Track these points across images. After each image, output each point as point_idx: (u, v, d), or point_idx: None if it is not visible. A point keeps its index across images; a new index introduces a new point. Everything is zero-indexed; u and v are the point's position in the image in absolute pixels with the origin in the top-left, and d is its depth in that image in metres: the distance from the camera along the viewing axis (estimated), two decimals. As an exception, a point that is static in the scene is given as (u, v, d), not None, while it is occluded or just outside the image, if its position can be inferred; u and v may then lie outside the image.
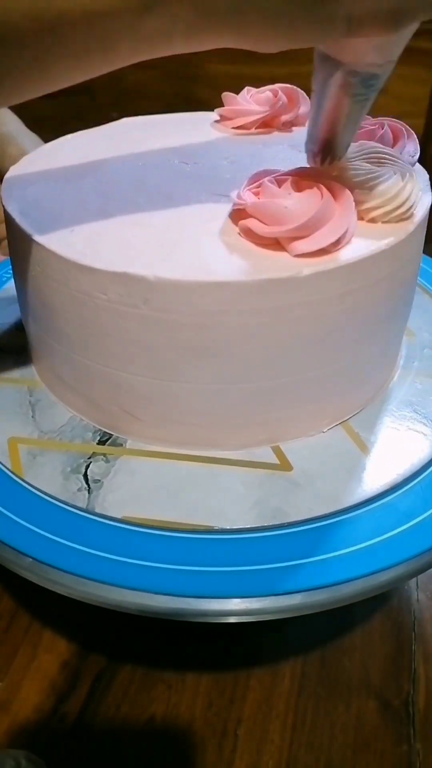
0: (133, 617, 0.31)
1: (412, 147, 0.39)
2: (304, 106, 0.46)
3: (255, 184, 0.33)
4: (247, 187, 0.33)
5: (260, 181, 0.33)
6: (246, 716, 0.39)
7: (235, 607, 0.30)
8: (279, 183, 0.32)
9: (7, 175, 0.41)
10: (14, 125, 0.52)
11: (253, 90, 0.48)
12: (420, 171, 0.38)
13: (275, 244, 0.32)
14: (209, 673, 0.41)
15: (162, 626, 0.42)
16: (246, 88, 0.49)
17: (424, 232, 0.37)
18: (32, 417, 0.39)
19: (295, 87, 0.47)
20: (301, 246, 0.30)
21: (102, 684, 0.40)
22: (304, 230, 0.30)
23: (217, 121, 0.48)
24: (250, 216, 0.32)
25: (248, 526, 0.33)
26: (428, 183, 0.38)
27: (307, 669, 0.41)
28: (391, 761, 0.37)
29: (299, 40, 0.27)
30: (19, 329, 0.45)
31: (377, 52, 0.28)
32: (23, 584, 0.33)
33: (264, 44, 0.27)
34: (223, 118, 0.48)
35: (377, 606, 0.44)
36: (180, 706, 0.39)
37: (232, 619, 0.30)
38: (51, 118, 1.06)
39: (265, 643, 0.42)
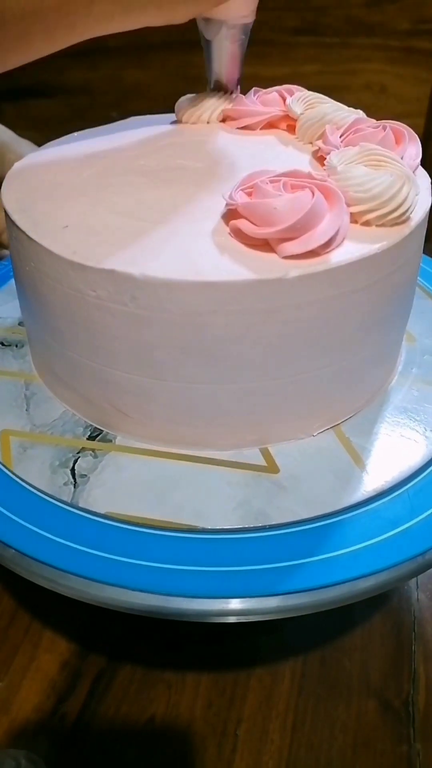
0: (133, 617, 0.31)
1: (413, 150, 0.38)
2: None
3: (248, 185, 0.33)
4: (240, 188, 0.33)
5: (254, 182, 0.32)
6: (246, 716, 0.39)
7: (213, 608, 0.30)
8: (272, 184, 0.32)
9: (8, 174, 0.41)
10: (8, 134, 0.54)
11: (261, 91, 0.48)
12: (421, 174, 0.38)
13: (265, 245, 0.31)
14: (209, 673, 0.41)
15: (162, 626, 0.42)
16: (253, 89, 0.48)
17: (423, 236, 0.36)
18: (26, 410, 0.40)
19: (301, 88, 0.47)
20: (290, 247, 0.30)
21: (102, 684, 0.40)
22: (293, 232, 0.30)
23: (222, 121, 0.48)
24: (241, 216, 0.32)
25: (229, 527, 0.33)
26: (428, 186, 0.37)
27: (307, 669, 0.41)
28: (391, 761, 0.37)
29: (201, 9, 0.39)
30: (21, 324, 0.46)
31: (245, 6, 0.42)
32: (23, 584, 0.33)
33: (177, 16, 0.37)
34: (228, 118, 0.48)
35: (377, 606, 0.44)
36: (180, 706, 0.39)
37: (211, 619, 0.30)
38: (51, 118, 1.06)
39: (265, 644, 0.42)
